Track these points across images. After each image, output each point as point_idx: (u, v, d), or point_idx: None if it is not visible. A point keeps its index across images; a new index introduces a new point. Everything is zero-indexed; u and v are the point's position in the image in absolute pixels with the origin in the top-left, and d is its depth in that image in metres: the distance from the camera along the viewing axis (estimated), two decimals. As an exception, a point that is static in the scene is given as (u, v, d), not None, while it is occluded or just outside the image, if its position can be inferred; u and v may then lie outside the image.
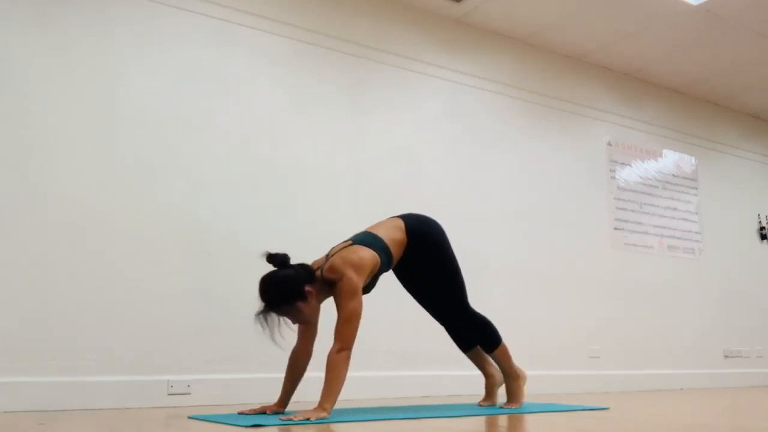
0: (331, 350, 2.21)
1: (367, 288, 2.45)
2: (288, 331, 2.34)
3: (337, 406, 2.22)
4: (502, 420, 2.23)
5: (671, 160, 5.11)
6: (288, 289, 2.27)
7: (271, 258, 2.33)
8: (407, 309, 3.60)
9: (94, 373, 2.70)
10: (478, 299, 3.88)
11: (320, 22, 3.62)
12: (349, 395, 3.10)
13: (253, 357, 2.98)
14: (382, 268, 2.47)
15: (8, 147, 2.70)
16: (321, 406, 2.14)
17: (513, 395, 2.71)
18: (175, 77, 3.13)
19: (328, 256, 2.44)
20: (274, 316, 2.28)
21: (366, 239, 2.45)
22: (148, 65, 3.08)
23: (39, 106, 2.79)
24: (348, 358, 2.22)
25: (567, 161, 4.49)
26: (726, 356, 5.07)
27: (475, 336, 2.72)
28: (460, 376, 3.69)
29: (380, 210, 3.61)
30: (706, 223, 5.19)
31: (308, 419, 2.06)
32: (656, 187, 4.94)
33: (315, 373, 2.34)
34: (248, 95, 3.33)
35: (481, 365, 2.80)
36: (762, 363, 5.28)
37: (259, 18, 3.42)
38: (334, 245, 2.52)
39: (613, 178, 4.71)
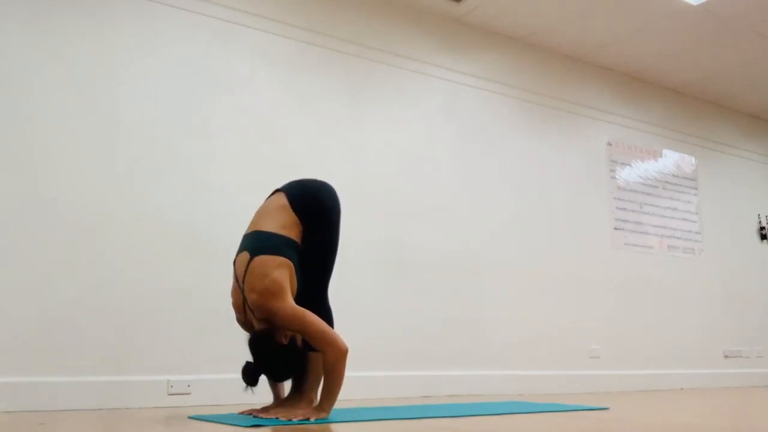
0: (327, 357, 2.10)
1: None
2: None
3: (338, 405, 2.22)
4: (503, 420, 2.22)
5: (671, 160, 5.11)
6: (298, 362, 2.20)
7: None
8: (407, 309, 3.61)
9: (94, 373, 2.70)
10: (478, 299, 3.91)
11: (320, 22, 3.62)
12: (349, 395, 3.11)
13: (253, 357, 2.98)
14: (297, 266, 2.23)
15: (8, 147, 2.70)
16: (321, 406, 2.14)
17: (306, 405, 2.26)
18: (175, 77, 3.13)
19: (239, 282, 2.21)
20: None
21: (269, 244, 2.20)
22: (148, 65, 3.08)
23: (39, 107, 2.79)
24: (345, 358, 2.12)
25: (567, 161, 4.49)
26: (726, 356, 5.07)
27: None
28: (460, 376, 3.69)
29: (380, 209, 3.63)
30: (706, 223, 5.19)
31: (308, 419, 2.07)
32: (656, 187, 4.94)
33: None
34: (248, 95, 3.33)
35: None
36: (762, 363, 5.28)
37: (259, 18, 3.42)
38: (234, 258, 2.30)
39: (613, 178, 4.71)
